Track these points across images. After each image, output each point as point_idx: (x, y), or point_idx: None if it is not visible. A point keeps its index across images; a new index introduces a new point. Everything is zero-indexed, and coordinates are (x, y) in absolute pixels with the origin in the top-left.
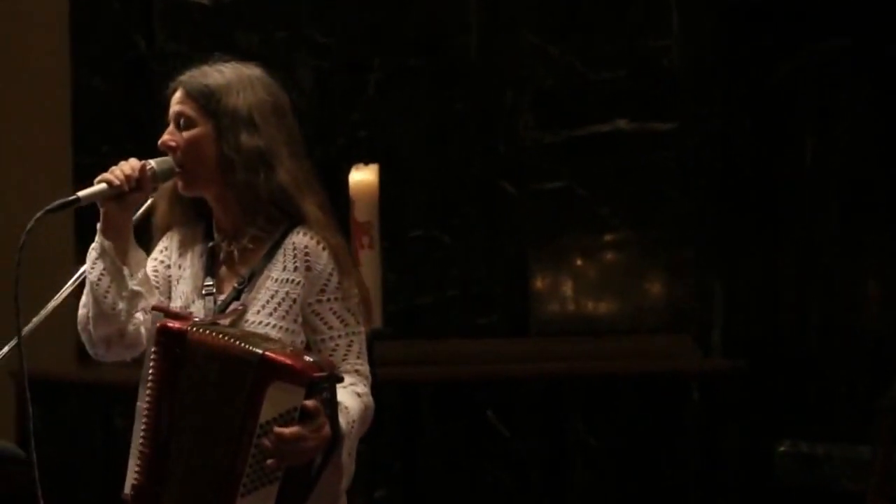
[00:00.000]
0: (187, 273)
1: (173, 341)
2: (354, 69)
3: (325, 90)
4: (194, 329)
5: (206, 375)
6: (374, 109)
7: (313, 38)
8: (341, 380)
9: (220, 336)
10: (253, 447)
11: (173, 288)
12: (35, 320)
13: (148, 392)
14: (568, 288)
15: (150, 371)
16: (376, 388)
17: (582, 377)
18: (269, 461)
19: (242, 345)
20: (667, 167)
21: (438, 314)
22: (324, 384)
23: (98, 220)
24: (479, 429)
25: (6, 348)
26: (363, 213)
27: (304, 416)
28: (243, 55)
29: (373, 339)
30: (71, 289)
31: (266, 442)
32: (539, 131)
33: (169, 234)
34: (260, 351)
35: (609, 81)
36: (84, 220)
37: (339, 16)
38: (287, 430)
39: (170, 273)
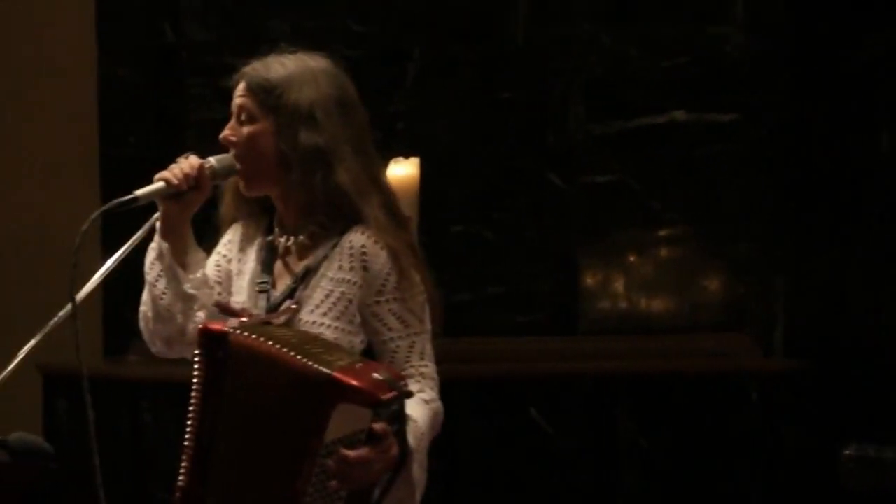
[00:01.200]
0: (247, 268)
1: (215, 344)
2: (392, 59)
3: (360, 81)
4: (239, 332)
5: (261, 385)
6: (413, 101)
7: (348, 26)
8: (411, 395)
9: (274, 344)
10: (316, 467)
11: (234, 283)
12: (61, 314)
13: (193, 394)
14: (619, 285)
15: (195, 373)
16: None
17: (633, 376)
18: (332, 483)
19: (307, 361)
20: (726, 160)
21: (480, 312)
22: (393, 405)
23: (133, 210)
24: (523, 428)
25: (33, 341)
26: (403, 207)
27: (372, 438)
28: (273, 44)
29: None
30: (98, 282)
31: (330, 463)
32: (590, 122)
33: (234, 226)
34: (327, 371)
35: (665, 70)
36: (109, 212)
37: (376, 2)
38: (353, 453)
39: (231, 267)
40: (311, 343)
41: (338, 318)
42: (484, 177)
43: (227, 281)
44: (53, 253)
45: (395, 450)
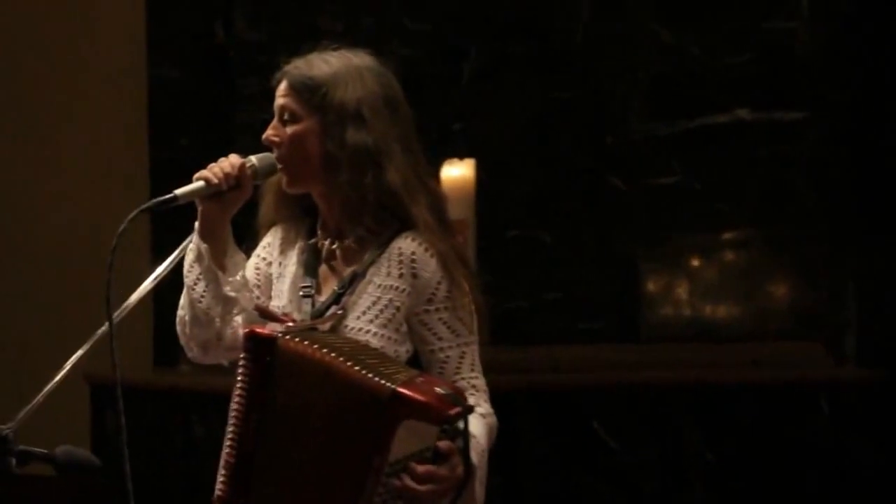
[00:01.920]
0: (288, 271)
1: (263, 348)
2: (448, 57)
3: (416, 80)
4: (287, 337)
5: (313, 394)
6: (469, 100)
7: (403, 24)
8: (472, 410)
9: (327, 351)
10: (380, 486)
11: (274, 286)
12: (108, 323)
13: (236, 399)
14: (683, 291)
15: (239, 378)
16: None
17: (698, 386)
18: (399, 503)
19: (367, 373)
20: (793, 160)
21: (538, 319)
22: (458, 420)
23: (184, 215)
24: (585, 441)
25: (81, 350)
26: (457, 210)
27: (438, 457)
28: (327, 43)
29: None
30: (148, 290)
31: (395, 482)
32: (651, 122)
33: (273, 229)
34: (391, 385)
35: (729, 67)
36: (161, 213)
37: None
38: (422, 470)
39: (271, 271)
40: (363, 352)
41: (384, 326)
42: (542, 179)
43: (266, 285)
44: (103, 260)
45: (460, 469)
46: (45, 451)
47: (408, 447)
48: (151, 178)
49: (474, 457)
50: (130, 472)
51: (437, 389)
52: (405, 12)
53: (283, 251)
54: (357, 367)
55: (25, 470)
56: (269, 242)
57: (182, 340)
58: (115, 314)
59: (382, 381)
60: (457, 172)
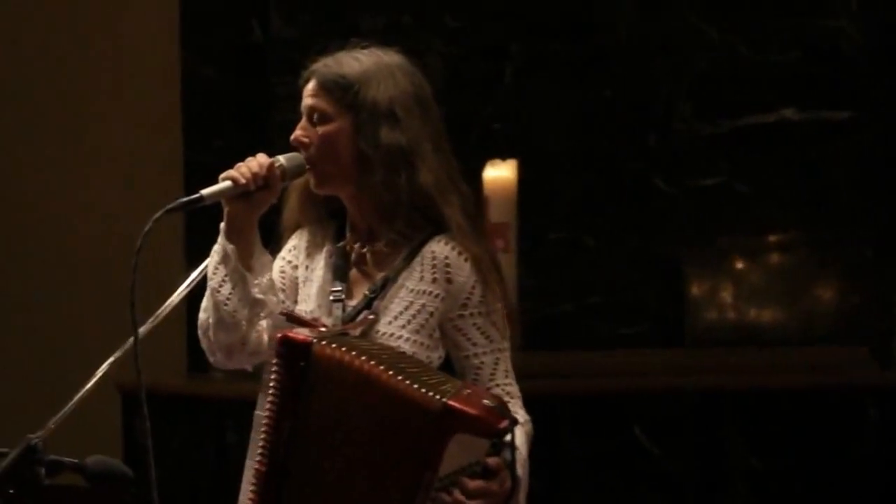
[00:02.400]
0: (315, 275)
1: (296, 354)
2: (490, 55)
3: (456, 79)
4: (323, 342)
5: (353, 405)
6: (511, 100)
7: (444, 21)
8: (517, 422)
9: (367, 359)
10: (430, 502)
11: (300, 291)
12: (143, 329)
13: (268, 406)
14: (728, 294)
15: (271, 384)
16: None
17: (743, 392)
18: None
19: (413, 385)
20: (840, 160)
21: (581, 324)
22: (506, 433)
23: (218, 220)
24: (627, 448)
25: (112, 357)
26: (499, 213)
27: (487, 472)
28: (366, 41)
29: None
30: (182, 296)
31: (445, 497)
32: (696, 122)
33: (298, 232)
34: (441, 398)
35: (776, 66)
36: (195, 218)
37: None
38: (472, 486)
39: (297, 275)
40: (402, 360)
41: (417, 332)
42: (585, 180)
43: (291, 289)
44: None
45: (508, 483)
46: (76, 460)
47: (457, 461)
48: (185, 180)
49: (519, 469)
50: (162, 480)
51: (485, 402)
52: (446, 9)
53: (310, 255)
54: (401, 378)
55: (55, 480)
56: (295, 245)
57: (204, 345)
58: (147, 323)
59: (431, 394)
60: (498, 174)
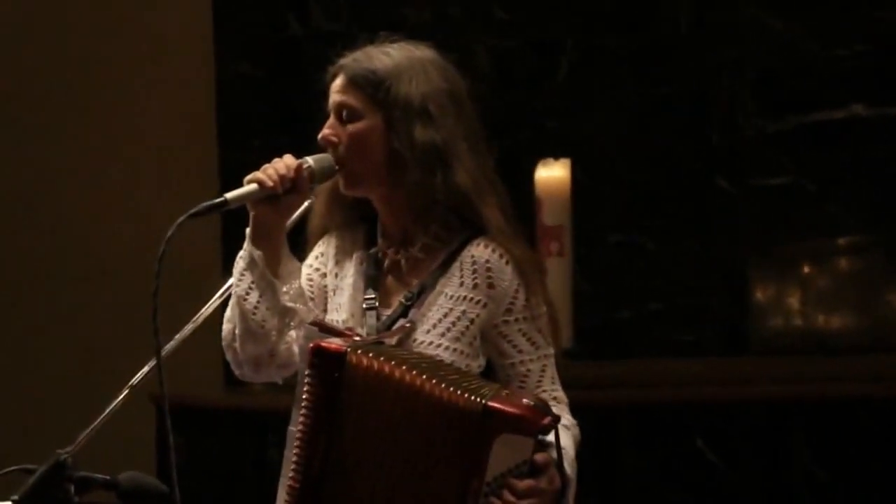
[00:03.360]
0: (345, 283)
1: (331, 364)
2: (542, 49)
3: (507, 74)
4: (357, 351)
5: (392, 415)
6: (565, 96)
7: (493, 13)
8: (559, 420)
9: (394, 363)
10: None
11: (329, 299)
12: (176, 339)
13: (302, 420)
14: (795, 300)
15: (305, 397)
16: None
17: (811, 402)
18: None
19: (453, 389)
20: None
21: (639, 331)
22: (550, 430)
23: (247, 224)
24: (688, 460)
25: (143, 370)
26: (552, 215)
27: (535, 470)
28: (412, 35)
29: (562, 359)
30: (217, 304)
31: (494, 500)
32: (761, 118)
33: (326, 238)
34: (481, 400)
35: (844, 59)
36: (232, 224)
37: None
38: (522, 486)
39: (325, 283)
40: (440, 368)
41: (456, 340)
42: (643, 180)
43: (320, 297)
44: (170, 270)
45: (558, 481)
46: (108, 477)
47: (504, 463)
48: (221, 181)
49: (568, 468)
50: (199, 496)
51: (526, 401)
52: (495, 1)
53: (339, 262)
54: (439, 383)
55: (85, 498)
56: (323, 252)
57: (230, 357)
58: (177, 336)
59: (471, 397)
60: (551, 174)
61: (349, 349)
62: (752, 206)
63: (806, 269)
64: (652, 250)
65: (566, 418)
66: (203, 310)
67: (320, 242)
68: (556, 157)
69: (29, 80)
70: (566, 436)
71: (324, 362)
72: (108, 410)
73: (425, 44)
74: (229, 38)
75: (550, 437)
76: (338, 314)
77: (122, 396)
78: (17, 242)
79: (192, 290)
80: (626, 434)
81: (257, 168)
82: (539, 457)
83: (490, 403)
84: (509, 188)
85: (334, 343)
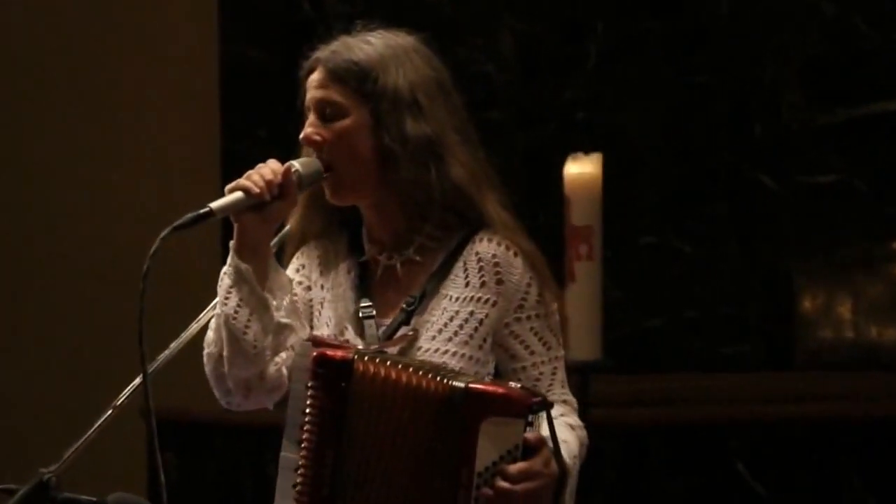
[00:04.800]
0: (334, 295)
1: (337, 373)
2: (571, 34)
3: (532, 61)
4: (364, 359)
5: (389, 418)
6: (595, 85)
7: None
8: (552, 405)
9: (399, 367)
10: (473, 501)
11: (316, 314)
12: (163, 356)
13: (307, 437)
14: (845, 309)
15: (309, 411)
16: (592, 433)
17: (862, 422)
18: None
19: (436, 377)
20: None
21: (674, 342)
22: (541, 410)
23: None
24: (727, 485)
25: (130, 386)
26: (581, 214)
27: (528, 451)
28: (434, 19)
29: (589, 373)
30: (212, 314)
31: (487, 490)
32: (808, 110)
33: (304, 248)
34: (461, 384)
35: None
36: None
37: None
38: (514, 469)
39: (311, 296)
40: (436, 367)
41: (465, 344)
42: (679, 177)
43: (306, 313)
44: (167, 270)
45: (555, 465)
46: (94, 498)
47: (495, 450)
48: (224, 175)
49: (567, 459)
50: None
51: (511, 383)
52: None
53: (323, 273)
54: (422, 373)
55: None
56: (304, 264)
57: (216, 384)
58: (162, 356)
59: (451, 383)
60: (580, 170)
61: (356, 356)
62: (799, 206)
63: (857, 276)
64: (688, 254)
65: (572, 419)
66: (191, 326)
67: (298, 254)
68: (586, 151)
69: (24, 67)
70: (568, 432)
71: (329, 372)
72: (95, 427)
73: (404, 30)
74: (235, 20)
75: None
76: (328, 329)
77: (108, 413)
78: (4, 242)
79: (189, 297)
80: (659, 457)
81: (263, 160)
82: (530, 436)
83: (471, 385)
84: (534, 185)
85: (339, 351)
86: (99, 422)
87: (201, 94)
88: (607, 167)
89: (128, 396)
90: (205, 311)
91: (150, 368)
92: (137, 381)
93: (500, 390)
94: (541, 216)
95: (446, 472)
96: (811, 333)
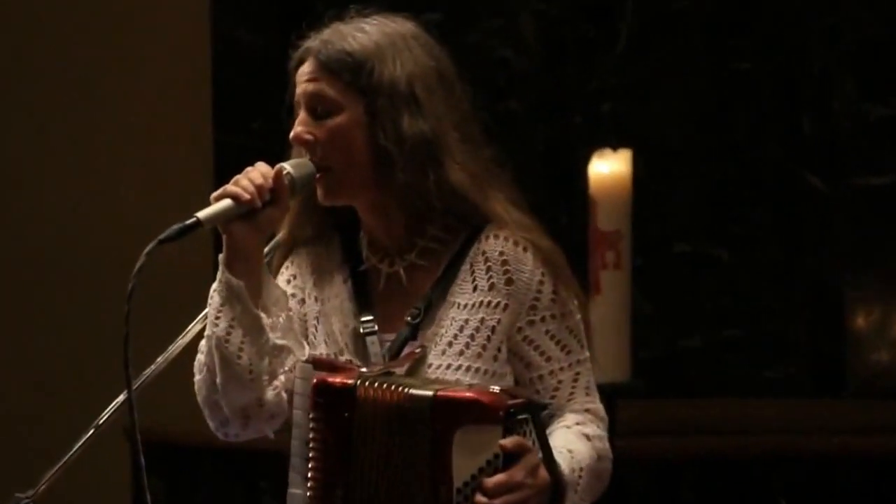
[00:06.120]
0: (331, 308)
1: (338, 403)
2: (597, 16)
3: (554, 45)
4: (366, 384)
5: (386, 442)
6: (624, 72)
7: None
8: (545, 407)
9: (396, 388)
10: None
11: (312, 330)
12: (152, 368)
13: (312, 474)
14: None
15: (312, 446)
16: (619, 463)
17: None
18: None
19: (409, 391)
20: None
21: (711, 363)
22: (523, 414)
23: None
24: None
25: (113, 404)
26: (609, 218)
27: (509, 461)
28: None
29: (615, 397)
30: (201, 325)
31: None
32: (862, 103)
33: (295, 256)
34: (430, 392)
35: None
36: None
37: None
38: (490, 483)
39: (305, 310)
40: (434, 381)
41: (478, 357)
42: (717, 177)
43: (301, 329)
44: (154, 272)
45: (544, 472)
46: None
47: (473, 463)
48: (216, 168)
49: (564, 466)
50: None
51: (492, 388)
52: None
53: (319, 283)
54: (407, 390)
55: None
56: (295, 274)
57: (210, 414)
58: (142, 376)
59: (420, 392)
60: (608, 168)
61: (358, 382)
62: (851, 210)
63: None
64: (727, 263)
65: (590, 427)
66: (178, 339)
67: (288, 262)
68: (614, 147)
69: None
70: (580, 442)
71: (330, 401)
72: (75, 448)
73: (402, 15)
74: (228, 1)
75: (562, 439)
76: (327, 347)
77: (89, 433)
78: None
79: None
80: (692, 493)
81: (257, 151)
82: (508, 441)
83: (440, 393)
84: (555, 184)
85: (340, 377)
86: (79, 443)
87: (190, 80)
88: (637, 165)
89: (110, 415)
90: (194, 323)
91: (135, 384)
92: (121, 397)
93: (470, 395)
94: (563, 219)
95: (428, 491)
96: (864, 355)
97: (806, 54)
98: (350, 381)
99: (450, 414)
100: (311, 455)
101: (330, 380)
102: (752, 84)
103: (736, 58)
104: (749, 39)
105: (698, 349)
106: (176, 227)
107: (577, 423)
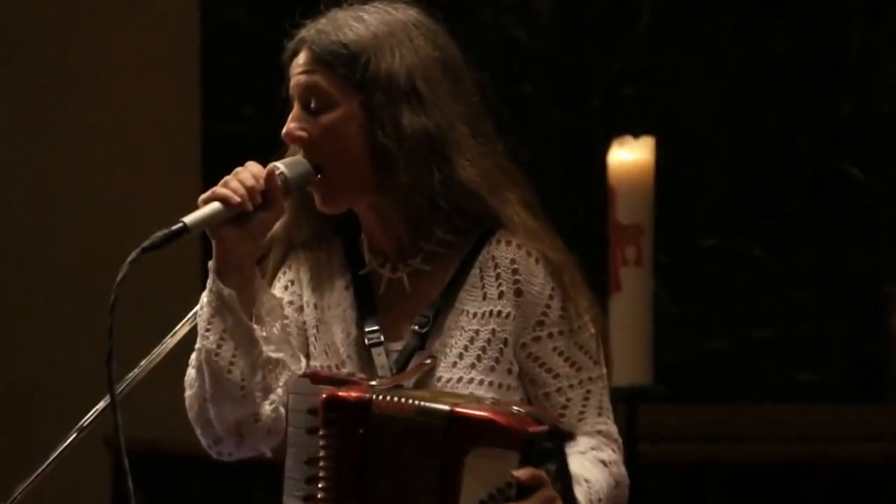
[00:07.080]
0: (331, 316)
1: (353, 418)
2: None
3: (572, 26)
4: (380, 398)
5: (399, 458)
6: (647, 55)
7: None
8: (571, 437)
9: (411, 402)
10: None
11: (311, 340)
12: (135, 372)
13: (322, 495)
14: None
15: (323, 465)
16: (641, 472)
17: None
18: None
19: (424, 404)
20: None
21: (740, 366)
22: (545, 443)
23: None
24: None
25: (94, 409)
26: (629, 211)
27: (522, 494)
28: None
29: (636, 401)
30: (184, 332)
31: None
32: None
33: (292, 260)
34: (447, 408)
35: None
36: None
37: None
38: None
39: (304, 319)
40: (448, 394)
41: (491, 370)
42: (748, 167)
43: (300, 338)
44: (140, 269)
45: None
46: None
47: (481, 489)
48: (204, 159)
49: (582, 499)
50: None
51: (514, 409)
52: None
53: (317, 289)
54: (421, 403)
55: None
56: (293, 280)
57: (202, 431)
58: (124, 383)
59: (437, 406)
60: (629, 156)
61: (373, 396)
62: (893, 202)
63: None
64: (759, 259)
65: (606, 453)
66: (164, 341)
67: (285, 267)
68: (636, 134)
69: None
70: (595, 469)
71: (344, 417)
72: (52, 457)
73: (405, 1)
74: None
75: (575, 468)
76: (327, 358)
77: (68, 440)
78: None
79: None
80: (723, 499)
81: (248, 141)
82: (523, 473)
83: (456, 409)
84: (572, 174)
85: (353, 390)
86: (57, 451)
87: (178, 64)
88: (661, 153)
89: (91, 422)
90: (181, 324)
91: (119, 390)
92: (102, 404)
93: (489, 415)
94: (580, 211)
95: None
96: None
97: (844, 34)
98: (366, 396)
99: (465, 432)
100: (321, 475)
101: (342, 394)
102: (786, 66)
103: (769, 38)
104: (783, 18)
105: (727, 351)
106: (161, 233)
107: (592, 448)
